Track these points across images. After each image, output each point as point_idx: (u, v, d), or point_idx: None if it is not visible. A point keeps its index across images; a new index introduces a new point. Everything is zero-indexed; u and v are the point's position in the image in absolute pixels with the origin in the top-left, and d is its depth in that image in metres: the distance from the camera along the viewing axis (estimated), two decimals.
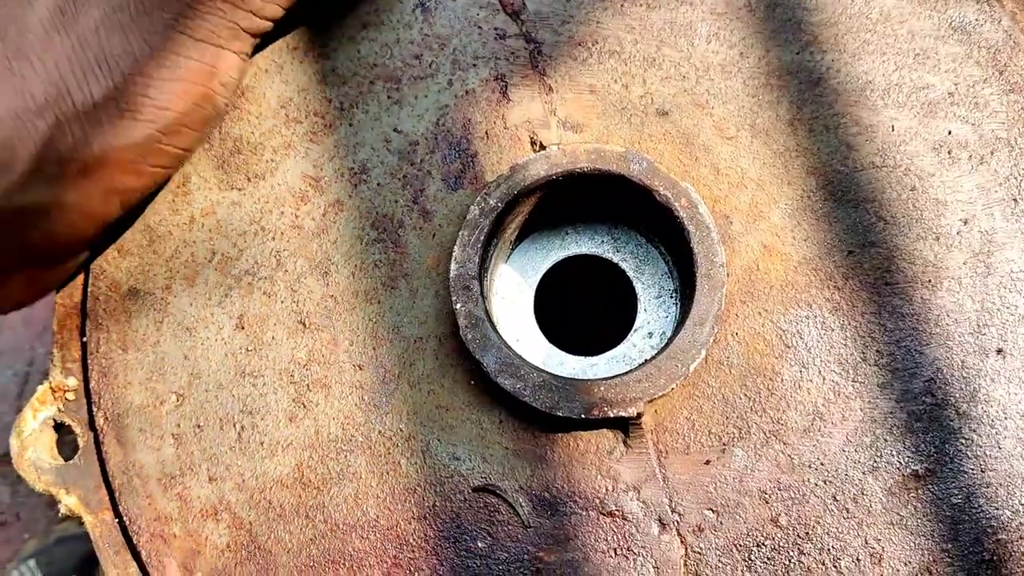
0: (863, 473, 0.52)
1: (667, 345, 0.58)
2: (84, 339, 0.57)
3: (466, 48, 0.58)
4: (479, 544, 0.52)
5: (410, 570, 0.52)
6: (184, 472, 0.54)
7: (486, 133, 0.57)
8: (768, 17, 0.57)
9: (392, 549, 0.52)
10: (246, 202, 0.57)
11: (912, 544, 0.51)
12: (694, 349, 0.51)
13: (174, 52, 0.48)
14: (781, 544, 0.52)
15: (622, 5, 0.58)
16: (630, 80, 0.57)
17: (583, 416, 0.51)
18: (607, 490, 0.53)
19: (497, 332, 0.52)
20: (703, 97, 0.56)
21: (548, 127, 0.57)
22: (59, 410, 0.57)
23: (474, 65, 0.58)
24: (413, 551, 0.52)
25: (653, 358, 0.52)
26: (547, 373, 0.52)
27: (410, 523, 0.53)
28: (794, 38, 0.56)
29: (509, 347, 0.52)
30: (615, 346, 0.60)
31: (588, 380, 0.52)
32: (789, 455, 0.52)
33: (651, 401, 0.51)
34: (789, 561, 0.51)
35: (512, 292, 0.60)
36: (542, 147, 0.56)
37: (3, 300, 0.53)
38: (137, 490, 0.54)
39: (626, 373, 0.52)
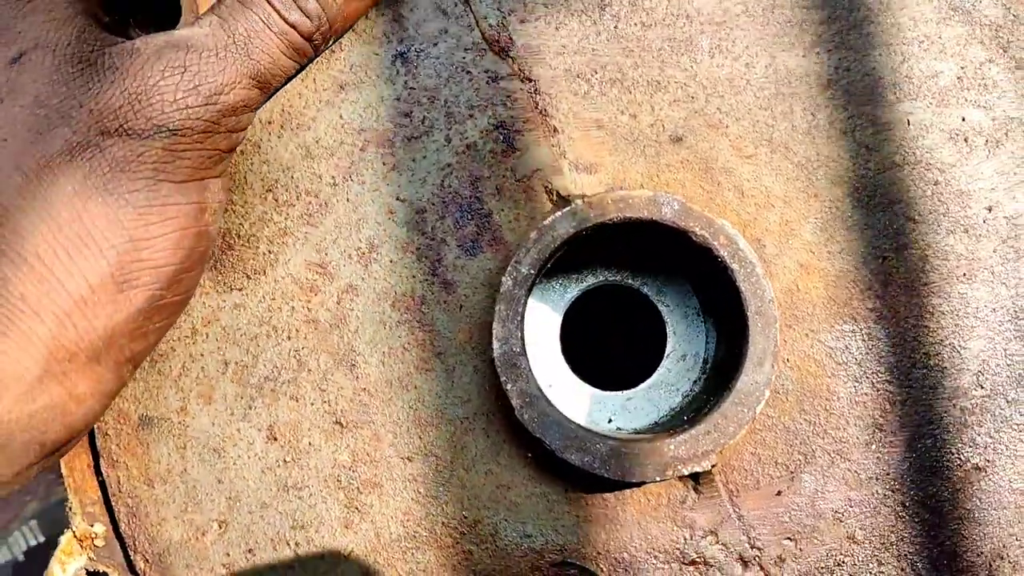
0: (927, 475, 0.53)
1: (706, 368, 0.57)
2: (101, 479, 0.52)
3: (458, 98, 0.53)
4: None
5: None
6: None
7: (497, 189, 0.53)
8: (768, 21, 0.54)
9: None
10: (250, 303, 0.53)
11: (982, 535, 0.53)
12: (758, 391, 0.50)
13: (160, 204, 0.42)
14: (860, 559, 0.52)
15: (616, 27, 0.54)
16: (637, 108, 0.54)
17: (658, 479, 0.50)
18: (685, 539, 0.52)
19: (553, 406, 0.50)
20: (715, 116, 0.54)
21: (561, 172, 0.53)
22: (90, 559, 0.52)
23: (470, 116, 0.53)
24: None
25: (716, 405, 0.51)
26: (613, 440, 0.50)
27: None
28: (797, 40, 0.54)
29: (569, 421, 0.50)
30: (650, 374, 0.59)
31: (653, 438, 0.51)
32: (855, 471, 0.53)
33: (723, 451, 0.50)
34: (871, 574, 0.52)
35: (535, 331, 0.58)
36: (560, 197, 0.53)
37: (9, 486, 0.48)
38: None
39: (693, 426, 0.50)
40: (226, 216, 0.53)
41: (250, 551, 0.52)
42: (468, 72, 0.54)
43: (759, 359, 0.50)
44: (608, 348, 0.72)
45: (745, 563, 0.52)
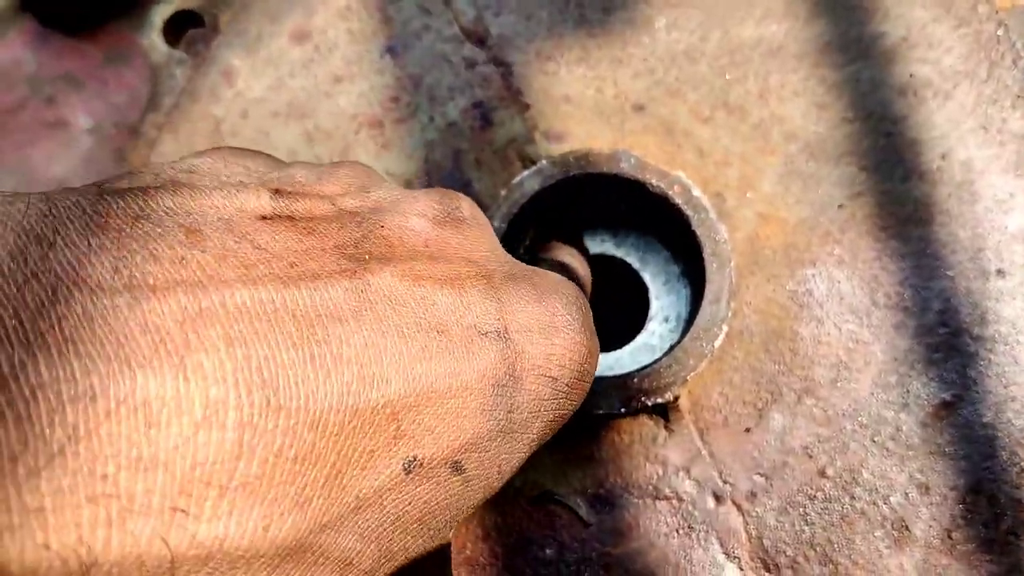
0: (895, 411, 0.54)
1: (687, 327, 0.60)
2: None
3: (440, 83, 0.60)
4: (547, 552, 0.54)
5: None
6: None
7: (476, 160, 0.59)
8: (718, 1, 0.59)
9: (465, 572, 0.54)
10: None
11: (955, 469, 0.54)
12: (715, 327, 0.53)
13: None
14: (832, 493, 0.54)
15: (581, 14, 0.60)
16: (601, 83, 0.59)
17: (622, 410, 0.53)
18: (658, 475, 0.55)
19: None
20: (674, 86, 0.59)
21: (533, 142, 0.59)
22: None
23: (451, 98, 0.60)
24: (485, 570, 0.54)
25: (678, 343, 0.54)
26: None
27: (477, 543, 0.54)
28: (747, 14, 0.59)
29: None
30: (634, 337, 0.62)
31: (621, 375, 0.54)
32: (823, 408, 0.55)
33: (684, 383, 0.53)
34: (843, 508, 0.54)
35: None
36: (532, 162, 0.58)
37: None
38: None
39: (655, 361, 0.54)
40: None
41: None
42: (449, 61, 0.60)
43: (715, 296, 0.54)
44: (596, 315, 0.76)
45: (718, 498, 0.54)
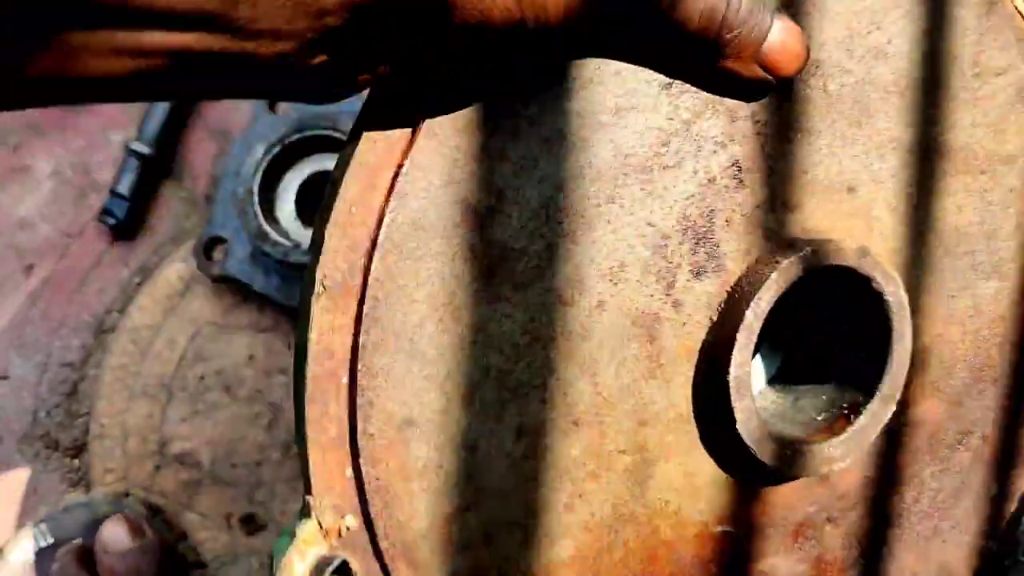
0: None
1: None
2: (357, 476, 0.53)
3: (708, 132, 0.58)
4: None
5: None
6: None
7: (726, 221, 0.59)
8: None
9: None
10: (517, 313, 0.55)
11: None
12: None
13: None
14: None
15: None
16: (830, 159, 0.62)
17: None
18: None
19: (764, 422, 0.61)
20: (880, 175, 0.64)
21: (773, 211, 0.61)
22: (332, 546, 0.54)
23: (714, 152, 0.58)
24: None
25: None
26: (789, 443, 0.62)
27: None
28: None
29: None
30: None
31: (813, 442, 0.63)
32: None
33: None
34: None
35: None
36: (771, 231, 0.61)
37: None
38: None
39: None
40: (501, 228, 0.53)
41: (487, 535, 0.56)
42: (716, 109, 0.58)
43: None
44: None
45: None
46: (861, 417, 0.64)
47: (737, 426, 0.59)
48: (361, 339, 0.51)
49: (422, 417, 0.54)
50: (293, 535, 0.53)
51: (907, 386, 0.67)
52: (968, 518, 0.76)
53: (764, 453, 0.60)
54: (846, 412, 0.66)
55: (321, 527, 0.53)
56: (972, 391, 0.73)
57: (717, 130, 0.58)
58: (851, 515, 0.70)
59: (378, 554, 0.54)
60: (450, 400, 0.54)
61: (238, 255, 1.14)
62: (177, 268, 1.20)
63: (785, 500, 0.66)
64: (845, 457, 0.64)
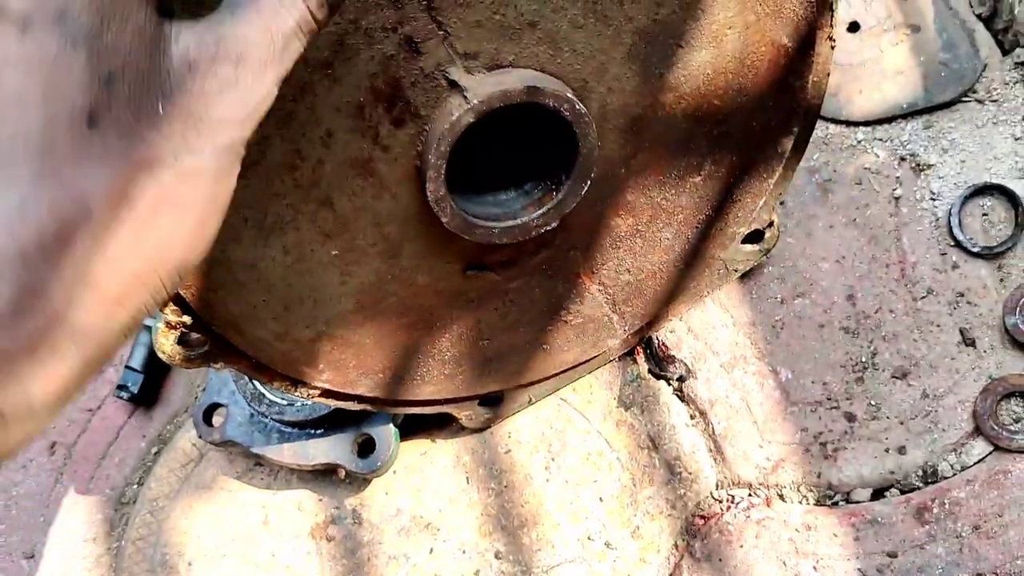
0: None
1: None
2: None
3: (376, 24, 0.70)
4: None
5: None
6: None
7: (412, 83, 0.74)
8: None
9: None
10: (255, 182, 0.76)
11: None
12: None
13: None
14: None
15: None
16: (504, 9, 0.73)
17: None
18: None
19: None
20: (559, 3, 0.75)
21: (454, 63, 0.75)
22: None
23: (386, 36, 0.71)
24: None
25: None
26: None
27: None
28: None
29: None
30: None
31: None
32: None
33: None
34: None
35: None
36: (452, 81, 0.75)
37: None
38: None
39: None
40: None
41: (286, 307, 0.85)
42: (380, 4, 0.70)
43: None
44: None
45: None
46: (560, 192, 0.83)
47: (443, 221, 0.81)
48: None
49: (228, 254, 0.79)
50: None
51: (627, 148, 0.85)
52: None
53: (466, 234, 0.82)
54: (552, 188, 0.85)
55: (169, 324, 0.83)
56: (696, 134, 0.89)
57: (385, 20, 0.71)
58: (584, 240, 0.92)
59: (211, 330, 0.84)
60: (238, 240, 0.79)
61: (236, 419, 1.17)
62: (191, 436, 1.28)
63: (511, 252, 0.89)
64: (550, 222, 0.85)
